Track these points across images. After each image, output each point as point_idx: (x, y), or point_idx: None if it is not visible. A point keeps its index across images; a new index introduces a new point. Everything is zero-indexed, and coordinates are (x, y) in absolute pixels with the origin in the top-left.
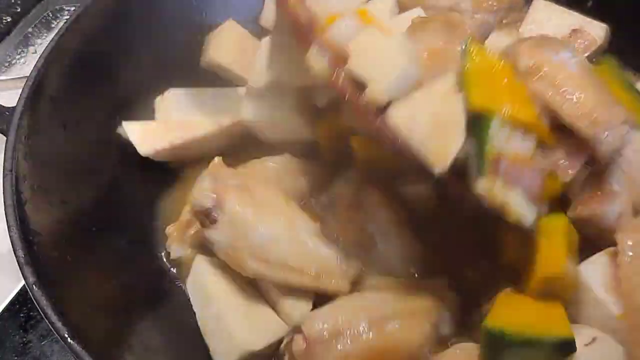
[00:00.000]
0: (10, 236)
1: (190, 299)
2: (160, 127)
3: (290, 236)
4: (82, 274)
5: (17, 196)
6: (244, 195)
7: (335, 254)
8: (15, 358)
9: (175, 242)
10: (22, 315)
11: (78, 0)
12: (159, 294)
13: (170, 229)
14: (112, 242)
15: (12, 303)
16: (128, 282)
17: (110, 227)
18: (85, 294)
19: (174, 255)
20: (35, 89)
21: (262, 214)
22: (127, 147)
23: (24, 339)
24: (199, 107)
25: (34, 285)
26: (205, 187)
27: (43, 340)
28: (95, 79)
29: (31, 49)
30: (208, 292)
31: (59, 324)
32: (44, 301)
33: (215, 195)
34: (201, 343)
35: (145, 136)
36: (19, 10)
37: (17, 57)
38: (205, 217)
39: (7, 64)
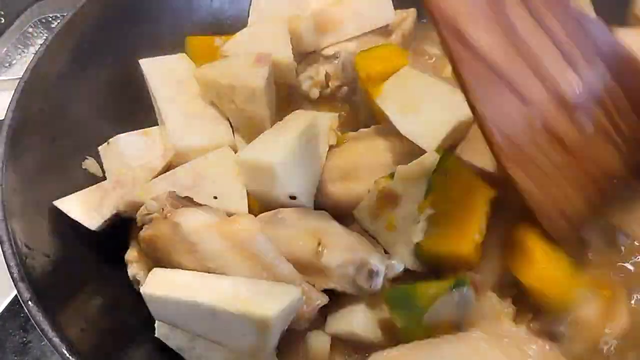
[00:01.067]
0: (3, 252)
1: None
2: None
3: None
4: (77, 288)
5: (8, 210)
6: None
7: None
8: (15, 358)
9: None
10: (22, 315)
11: (62, 9)
12: None
13: (129, 256)
14: (107, 253)
15: (12, 303)
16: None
17: (106, 238)
18: (81, 308)
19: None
20: (25, 101)
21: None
22: None
23: (24, 339)
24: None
25: (29, 302)
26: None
27: (43, 341)
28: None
29: (31, 49)
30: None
31: (57, 340)
32: (40, 317)
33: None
34: None
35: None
36: (2, 21)
37: (18, 57)
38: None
39: (7, 64)
